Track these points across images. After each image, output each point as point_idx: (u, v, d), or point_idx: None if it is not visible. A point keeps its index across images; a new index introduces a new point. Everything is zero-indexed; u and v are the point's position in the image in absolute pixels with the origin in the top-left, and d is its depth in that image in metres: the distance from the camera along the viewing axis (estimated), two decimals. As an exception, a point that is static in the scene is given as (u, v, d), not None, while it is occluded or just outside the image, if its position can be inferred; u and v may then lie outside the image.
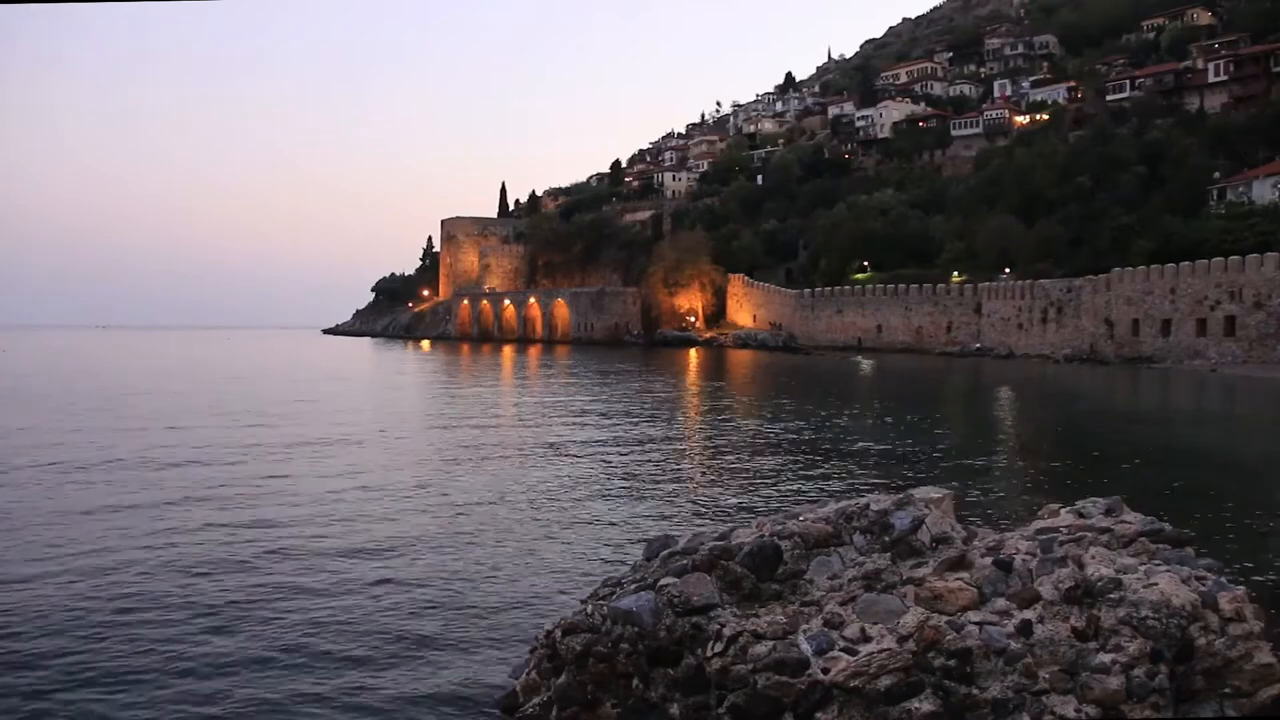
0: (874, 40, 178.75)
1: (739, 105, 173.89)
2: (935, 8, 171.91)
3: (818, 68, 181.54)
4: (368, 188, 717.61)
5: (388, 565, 11.29)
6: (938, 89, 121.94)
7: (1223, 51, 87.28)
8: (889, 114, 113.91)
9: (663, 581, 5.49)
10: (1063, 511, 6.16)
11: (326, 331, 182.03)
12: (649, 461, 19.99)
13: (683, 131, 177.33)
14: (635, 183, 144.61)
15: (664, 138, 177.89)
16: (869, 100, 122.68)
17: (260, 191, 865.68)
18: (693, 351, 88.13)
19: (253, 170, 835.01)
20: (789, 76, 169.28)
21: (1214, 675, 4.87)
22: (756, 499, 15.60)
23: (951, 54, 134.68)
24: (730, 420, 29.61)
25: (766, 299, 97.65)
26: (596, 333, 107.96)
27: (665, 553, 5.94)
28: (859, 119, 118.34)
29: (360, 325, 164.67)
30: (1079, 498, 6.43)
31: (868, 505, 5.79)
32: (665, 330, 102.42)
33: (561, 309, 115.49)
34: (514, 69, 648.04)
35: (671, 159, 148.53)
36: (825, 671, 4.89)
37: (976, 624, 4.95)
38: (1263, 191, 65.47)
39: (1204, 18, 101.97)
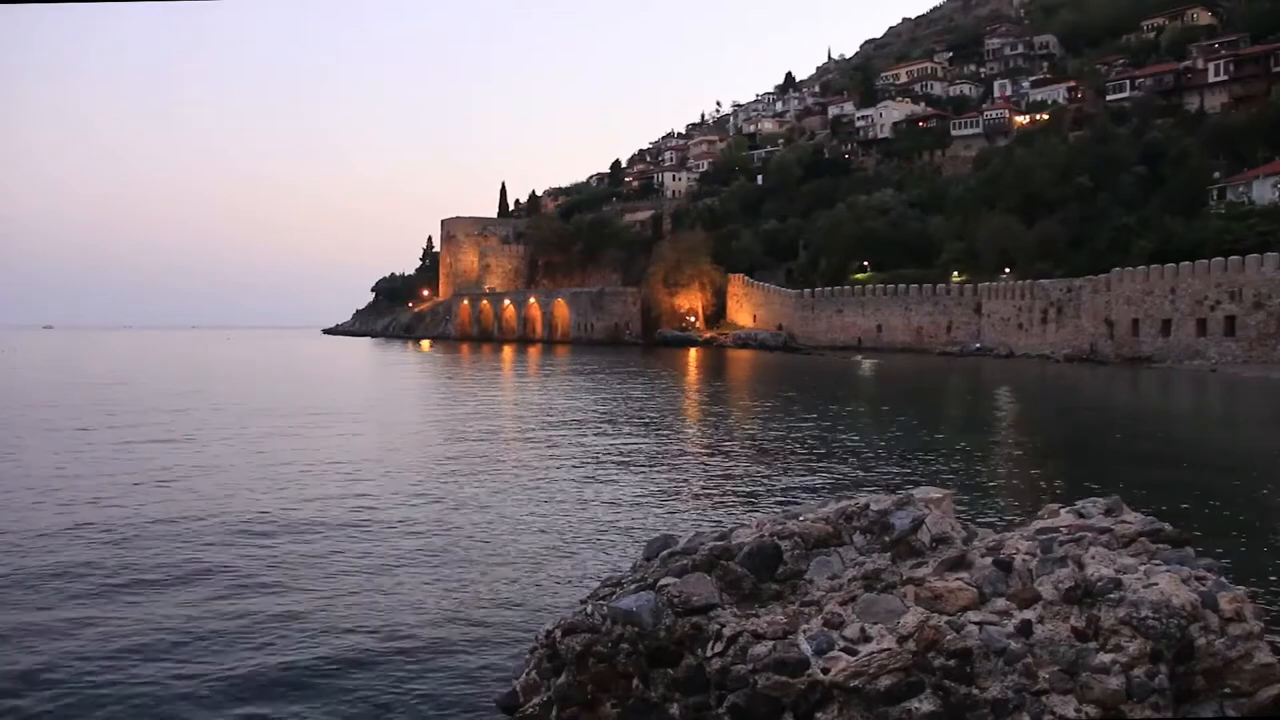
0: (874, 40, 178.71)
1: (739, 105, 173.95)
2: (935, 8, 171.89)
3: (818, 68, 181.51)
4: (368, 188, 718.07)
5: (387, 565, 11.29)
6: (938, 89, 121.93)
7: (1223, 51, 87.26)
8: (889, 114, 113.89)
9: (663, 581, 5.49)
10: (1063, 511, 6.16)
11: (326, 331, 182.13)
12: (649, 461, 19.99)
13: (683, 131, 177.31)
14: (635, 183, 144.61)
15: (664, 138, 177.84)
16: (869, 100, 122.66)
17: (259, 191, 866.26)
18: (693, 351, 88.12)
19: (252, 170, 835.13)
20: (789, 76, 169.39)
21: (1214, 675, 4.87)
22: (756, 499, 15.60)
23: (951, 54, 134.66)
24: (730, 420, 29.62)
25: (766, 299, 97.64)
26: (596, 333, 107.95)
27: (665, 553, 5.94)
28: (859, 119, 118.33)
29: (360, 325, 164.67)
30: (1079, 498, 6.42)
31: (868, 505, 5.79)
32: (665, 330, 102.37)
33: (561, 309, 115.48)
34: (514, 69, 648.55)
35: (671, 159, 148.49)
36: (825, 671, 4.89)
37: (976, 624, 4.95)
38: (1263, 191, 65.46)
39: (1204, 18, 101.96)
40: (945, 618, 4.98)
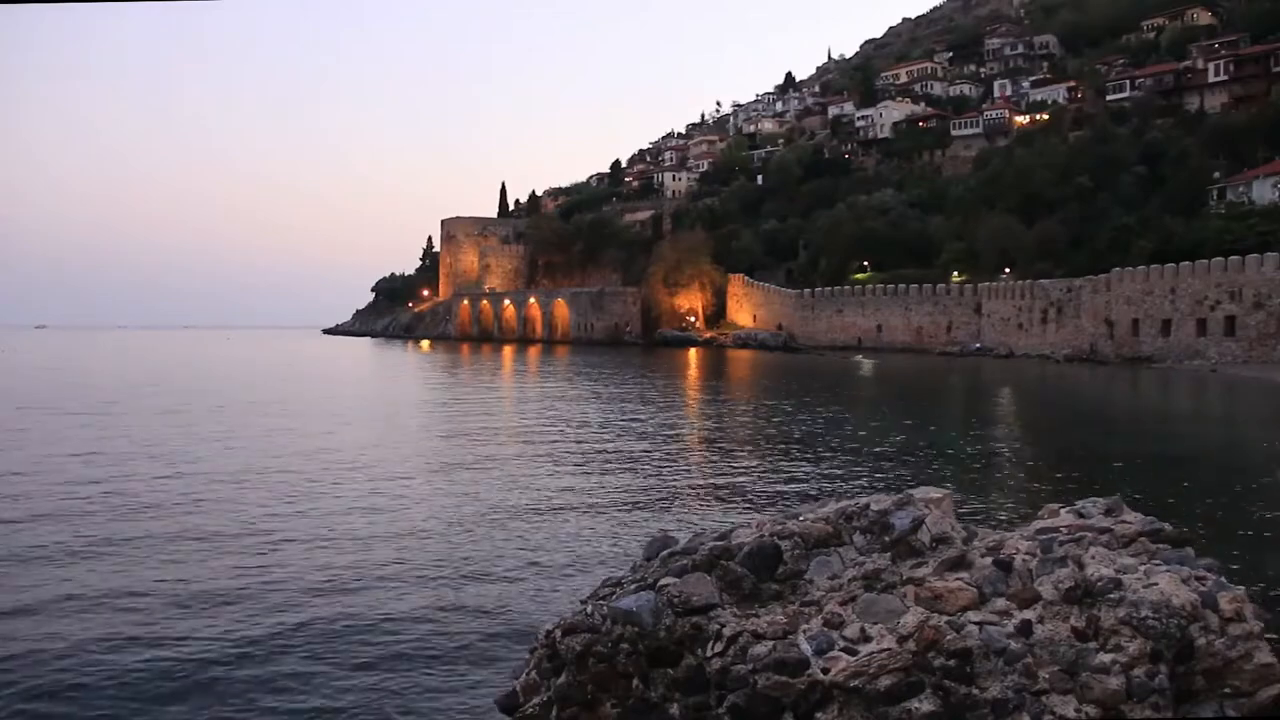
0: (874, 40, 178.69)
1: (739, 105, 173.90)
2: (935, 8, 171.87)
3: (818, 68, 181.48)
4: (368, 188, 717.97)
5: (387, 565, 11.29)
6: (938, 89, 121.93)
7: (1223, 51, 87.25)
8: (889, 114, 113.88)
9: (663, 581, 5.48)
10: (1063, 511, 6.15)
11: (327, 331, 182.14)
12: (649, 462, 19.99)
13: (683, 131, 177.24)
14: (635, 183, 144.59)
15: (664, 138, 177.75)
16: (869, 100, 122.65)
17: (259, 191, 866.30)
18: (693, 352, 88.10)
19: (252, 170, 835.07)
20: (789, 76, 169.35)
21: (1214, 675, 4.86)
22: (756, 499, 15.60)
23: (951, 54, 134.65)
24: (730, 420, 29.62)
25: (766, 299, 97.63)
26: (596, 333, 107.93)
27: (665, 553, 5.93)
28: (859, 119, 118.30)
29: (360, 325, 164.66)
30: (1079, 498, 6.42)
31: (868, 505, 5.78)
32: (665, 330, 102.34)
33: (561, 309, 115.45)
34: (514, 69, 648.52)
35: (671, 159, 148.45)
36: (825, 671, 4.88)
37: (976, 624, 4.94)
38: (1263, 191, 65.46)
39: (1204, 18, 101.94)
40: (945, 618, 4.97)
